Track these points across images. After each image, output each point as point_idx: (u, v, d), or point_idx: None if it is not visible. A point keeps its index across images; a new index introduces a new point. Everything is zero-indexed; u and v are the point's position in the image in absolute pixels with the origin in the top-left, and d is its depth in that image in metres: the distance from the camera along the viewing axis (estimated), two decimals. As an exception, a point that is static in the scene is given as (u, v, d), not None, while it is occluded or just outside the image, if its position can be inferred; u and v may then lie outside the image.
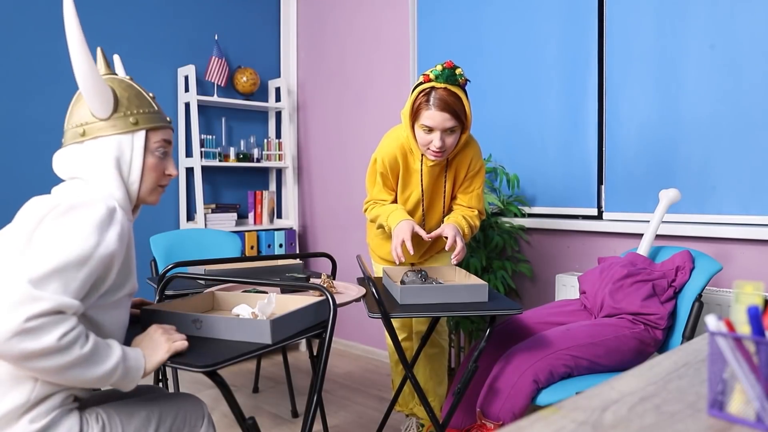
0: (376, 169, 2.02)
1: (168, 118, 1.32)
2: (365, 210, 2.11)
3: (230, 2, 3.68)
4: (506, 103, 2.81)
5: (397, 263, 1.86)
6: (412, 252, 1.81)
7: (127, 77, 1.31)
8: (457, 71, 1.81)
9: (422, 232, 1.86)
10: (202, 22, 3.56)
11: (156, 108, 1.29)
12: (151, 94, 1.30)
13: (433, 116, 1.79)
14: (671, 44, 2.28)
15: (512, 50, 2.78)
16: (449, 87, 1.80)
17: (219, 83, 3.44)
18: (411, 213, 2.05)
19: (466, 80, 1.85)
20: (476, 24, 2.92)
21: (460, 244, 1.83)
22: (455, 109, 1.79)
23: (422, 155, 1.94)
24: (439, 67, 1.81)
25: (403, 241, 1.82)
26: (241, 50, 3.73)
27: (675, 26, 2.27)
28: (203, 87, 3.55)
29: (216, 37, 3.55)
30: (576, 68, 2.55)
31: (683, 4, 2.24)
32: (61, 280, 1.04)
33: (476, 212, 2.05)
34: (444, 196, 2.04)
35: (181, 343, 1.21)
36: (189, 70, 3.35)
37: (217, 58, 3.43)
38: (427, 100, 1.80)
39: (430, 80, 1.82)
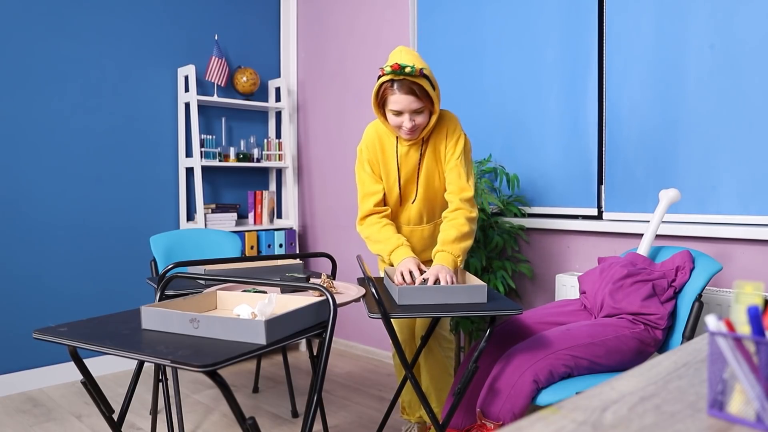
0: (363, 158, 2.08)
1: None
2: (360, 224, 2.06)
3: (230, 2, 3.68)
4: (506, 102, 2.80)
5: (396, 283, 1.81)
6: (417, 282, 1.80)
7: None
8: (406, 69, 1.83)
9: (418, 273, 1.84)
10: (202, 22, 3.56)
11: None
12: None
13: (399, 100, 1.89)
14: (671, 44, 2.28)
15: (512, 50, 2.78)
16: (408, 78, 1.86)
17: (219, 83, 3.44)
18: (388, 195, 2.07)
19: (420, 70, 1.84)
20: (476, 24, 2.92)
21: (441, 278, 1.80)
22: (418, 92, 1.88)
23: (397, 138, 2.03)
24: (388, 68, 1.85)
25: (411, 272, 1.84)
26: (241, 50, 3.73)
27: (675, 26, 2.26)
28: (203, 87, 3.55)
29: (216, 37, 3.55)
30: (576, 68, 2.55)
31: (683, 4, 2.24)
32: None
33: (461, 210, 1.95)
34: (418, 177, 2.05)
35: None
36: (189, 70, 3.35)
37: (217, 58, 3.43)
38: (392, 86, 1.89)
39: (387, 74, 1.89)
